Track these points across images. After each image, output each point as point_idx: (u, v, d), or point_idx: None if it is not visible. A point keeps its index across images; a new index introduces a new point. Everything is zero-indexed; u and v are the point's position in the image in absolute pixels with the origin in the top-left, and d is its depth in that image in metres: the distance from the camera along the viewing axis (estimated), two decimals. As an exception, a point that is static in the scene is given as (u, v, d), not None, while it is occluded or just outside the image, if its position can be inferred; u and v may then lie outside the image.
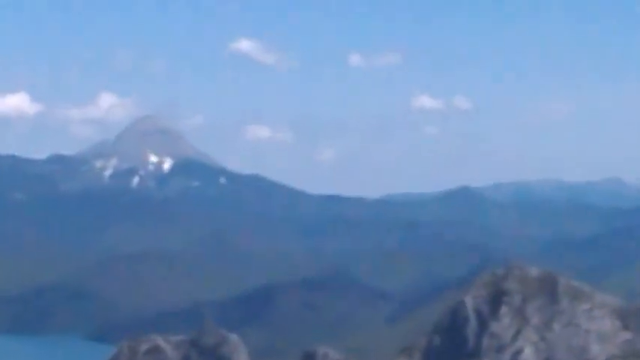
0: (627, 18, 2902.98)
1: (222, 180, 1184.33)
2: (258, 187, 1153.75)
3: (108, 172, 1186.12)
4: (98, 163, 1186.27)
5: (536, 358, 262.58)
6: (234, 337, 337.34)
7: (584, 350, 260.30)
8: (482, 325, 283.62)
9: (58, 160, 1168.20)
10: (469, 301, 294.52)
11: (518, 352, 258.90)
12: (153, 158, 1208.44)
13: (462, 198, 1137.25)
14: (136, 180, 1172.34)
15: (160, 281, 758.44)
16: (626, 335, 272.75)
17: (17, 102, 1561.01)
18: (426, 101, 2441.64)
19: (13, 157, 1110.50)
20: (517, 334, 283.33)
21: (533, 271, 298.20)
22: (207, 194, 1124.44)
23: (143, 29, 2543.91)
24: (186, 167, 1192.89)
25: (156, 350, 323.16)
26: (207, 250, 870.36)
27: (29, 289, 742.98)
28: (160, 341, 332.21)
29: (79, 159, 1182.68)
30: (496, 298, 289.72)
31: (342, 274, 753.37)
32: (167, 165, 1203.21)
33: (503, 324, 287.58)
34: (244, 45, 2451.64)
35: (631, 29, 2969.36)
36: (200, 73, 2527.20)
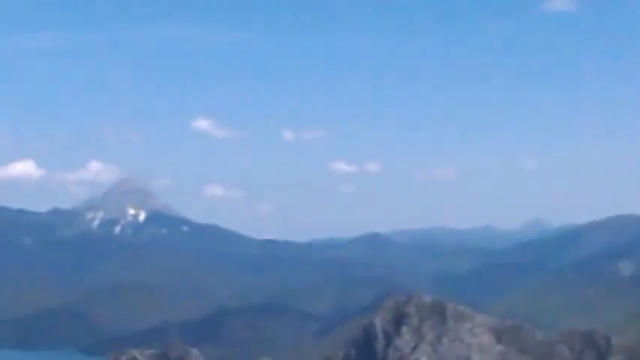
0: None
1: (185, 228, 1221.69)
2: (214, 233, 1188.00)
3: (96, 222, 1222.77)
4: (88, 215, 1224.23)
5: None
6: (194, 351, 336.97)
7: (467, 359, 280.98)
8: (388, 340, 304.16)
9: (56, 212, 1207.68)
10: (378, 322, 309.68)
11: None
12: (131, 211, 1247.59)
13: (372, 241, 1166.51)
14: (117, 228, 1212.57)
15: (137, 306, 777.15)
16: (500, 348, 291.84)
17: (25, 167, 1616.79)
18: (342, 166, 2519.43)
19: (21, 210, 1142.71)
20: (415, 347, 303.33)
21: (427, 299, 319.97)
22: (173, 239, 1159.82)
23: (125, 108, 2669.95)
24: (157, 218, 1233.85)
25: None
26: (174, 283, 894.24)
27: (33, 312, 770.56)
28: (137, 354, 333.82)
29: (74, 212, 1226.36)
30: (399, 319, 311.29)
31: (279, 301, 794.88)
32: (142, 217, 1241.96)
33: (405, 340, 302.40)
34: (202, 123, 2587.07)
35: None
36: (168, 144, 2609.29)
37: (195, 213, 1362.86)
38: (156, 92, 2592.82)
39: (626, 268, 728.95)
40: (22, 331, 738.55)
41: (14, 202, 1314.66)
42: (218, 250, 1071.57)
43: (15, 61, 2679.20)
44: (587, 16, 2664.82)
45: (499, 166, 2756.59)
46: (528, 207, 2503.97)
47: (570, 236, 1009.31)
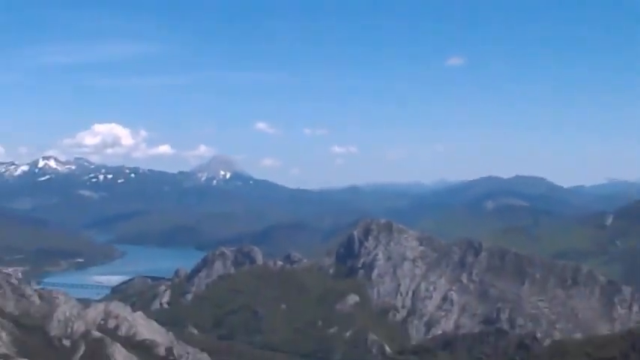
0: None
1: (251, 182, 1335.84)
2: (266, 185, 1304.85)
3: (203, 178, 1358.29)
4: (199, 175, 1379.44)
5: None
6: (256, 249, 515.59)
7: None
8: (360, 243, 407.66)
9: (182, 174, 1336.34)
10: (355, 233, 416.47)
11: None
12: (222, 172, 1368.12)
13: (354, 190, 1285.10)
14: (214, 182, 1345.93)
15: (226, 224, 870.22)
16: (421, 248, 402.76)
17: (164, 150, 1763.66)
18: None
19: (162, 172, 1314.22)
20: (376, 246, 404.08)
21: (382, 221, 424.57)
22: (244, 188, 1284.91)
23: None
24: (235, 176, 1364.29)
25: (222, 254, 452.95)
26: (245, 211, 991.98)
27: (168, 227, 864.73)
28: (226, 250, 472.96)
29: (191, 173, 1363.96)
30: (367, 232, 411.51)
31: (302, 222, 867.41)
32: (228, 175, 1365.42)
33: (370, 242, 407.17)
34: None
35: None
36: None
37: (256, 174, 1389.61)
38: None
39: (490, 205, 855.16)
40: (161, 238, 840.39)
41: (161, 167, 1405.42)
42: (268, 194, 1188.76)
43: None
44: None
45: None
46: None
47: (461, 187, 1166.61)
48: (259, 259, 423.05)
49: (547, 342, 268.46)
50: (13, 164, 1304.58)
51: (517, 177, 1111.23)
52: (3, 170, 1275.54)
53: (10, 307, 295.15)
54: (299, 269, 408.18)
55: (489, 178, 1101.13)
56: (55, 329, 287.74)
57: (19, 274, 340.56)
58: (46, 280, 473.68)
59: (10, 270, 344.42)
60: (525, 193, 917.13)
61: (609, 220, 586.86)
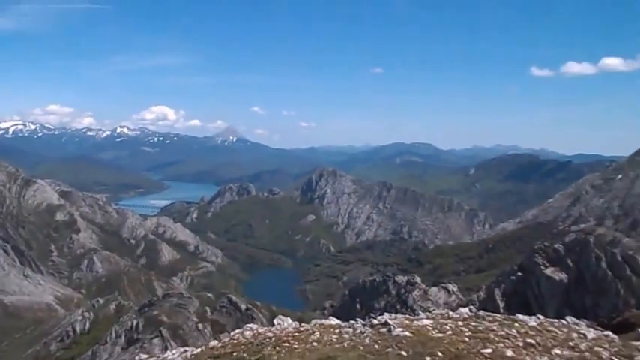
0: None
1: (248, 143, 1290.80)
2: (257, 145, 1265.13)
3: (220, 140, 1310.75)
4: (218, 139, 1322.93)
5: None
6: (251, 186, 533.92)
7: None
8: (317, 184, 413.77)
9: (206, 139, 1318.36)
10: (313, 177, 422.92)
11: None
12: (230, 137, 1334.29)
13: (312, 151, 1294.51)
14: (226, 143, 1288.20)
15: (239, 168, 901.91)
16: (354, 187, 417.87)
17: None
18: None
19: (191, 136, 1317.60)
20: (326, 185, 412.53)
21: (330, 169, 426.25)
22: (242, 146, 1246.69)
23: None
24: (240, 140, 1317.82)
25: (230, 188, 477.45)
26: (248, 160, 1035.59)
27: (195, 169, 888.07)
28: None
29: (210, 139, 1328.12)
30: (320, 176, 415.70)
31: (287, 169, 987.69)
32: (234, 139, 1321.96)
33: (322, 183, 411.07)
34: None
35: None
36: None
37: (252, 139, 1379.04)
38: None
39: (398, 160, 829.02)
40: (192, 177, 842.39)
41: (193, 134, 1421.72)
42: (259, 152, 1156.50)
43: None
44: None
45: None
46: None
47: (379, 149, 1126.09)
48: (253, 192, 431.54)
49: (431, 246, 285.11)
50: (101, 130, 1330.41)
51: (415, 143, 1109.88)
52: (94, 134, 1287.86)
53: (98, 218, 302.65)
54: (278, 198, 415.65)
55: (397, 144, 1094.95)
56: (125, 233, 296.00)
57: (104, 198, 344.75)
58: (120, 202, 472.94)
59: (98, 196, 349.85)
60: (420, 154, 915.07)
61: (472, 171, 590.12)
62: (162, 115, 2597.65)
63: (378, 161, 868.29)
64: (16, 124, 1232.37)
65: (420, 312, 20.13)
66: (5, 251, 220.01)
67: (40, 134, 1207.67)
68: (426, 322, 15.55)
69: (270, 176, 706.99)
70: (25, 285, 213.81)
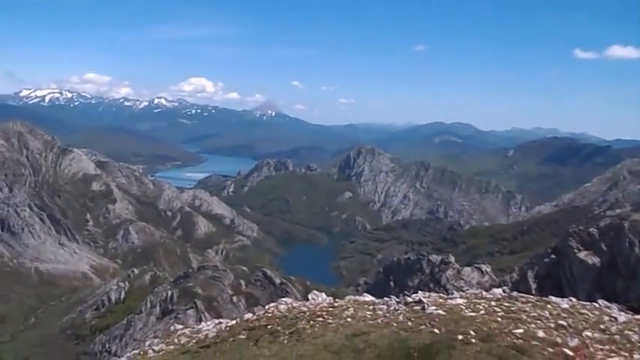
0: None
1: (287, 119, 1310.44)
2: (294, 120, 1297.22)
3: (259, 114, 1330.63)
4: (257, 113, 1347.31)
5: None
6: (289, 162, 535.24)
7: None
8: (355, 160, 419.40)
9: (247, 112, 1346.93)
10: (351, 154, 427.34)
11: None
12: (269, 111, 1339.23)
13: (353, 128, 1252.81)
14: (265, 117, 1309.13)
15: (277, 141, 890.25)
16: (391, 165, 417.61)
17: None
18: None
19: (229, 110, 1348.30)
20: (364, 163, 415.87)
21: (369, 147, 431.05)
22: (281, 120, 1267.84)
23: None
24: (279, 114, 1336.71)
25: (267, 163, 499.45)
26: (285, 134, 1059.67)
27: (229, 144, 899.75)
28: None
29: (252, 113, 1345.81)
30: (359, 153, 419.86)
31: (329, 144, 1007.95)
32: (273, 113, 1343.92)
33: (360, 160, 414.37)
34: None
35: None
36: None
37: (291, 113, 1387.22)
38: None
39: (437, 140, 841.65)
40: (230, 151, 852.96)
41: (231, 107, 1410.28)
42: (298, 127, 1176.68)
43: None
44: None
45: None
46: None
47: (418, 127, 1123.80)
48: (291, 167, 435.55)
49: (467, 227, 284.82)
50: (138, 100, 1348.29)
51: (455, 122, 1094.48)
52: (131, 104, 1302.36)
53: (134, 189, 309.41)
54: (315, 174, 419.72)
55: (437, 123, 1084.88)
56: (162, 205, 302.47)
57: (140, 170, 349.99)
58: (157, 174, 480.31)
59: (134, 167, 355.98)
60: (459, 134, 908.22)
61: (510, 153, 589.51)
62: (201, 87, 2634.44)
63: (417, 140, 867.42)
64: (52, 92, 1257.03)
65: (454, 291, 20.63)
66: (41, 219, 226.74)
67: (76, 103, 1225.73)
68: (460, 301, 15.97)
69: (308, 152, 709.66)
70: (60, 253, 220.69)
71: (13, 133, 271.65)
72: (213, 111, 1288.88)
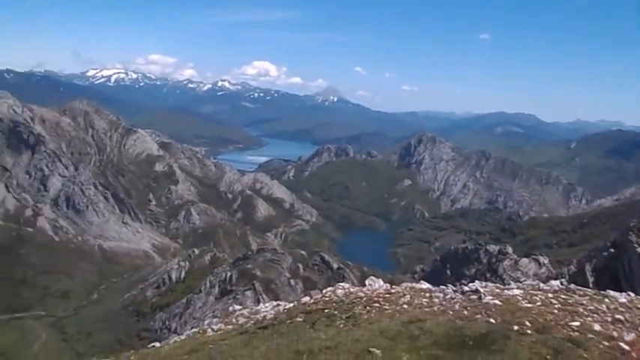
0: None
1: (349, 105, 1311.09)
2: (356, 106, 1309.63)
3: (321, 99, 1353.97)
4: (319, 98, 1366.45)
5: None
6: (350, 147, 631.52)
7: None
8: (415, 147, 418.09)
9: (307, 97, 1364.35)
10: (412, 141, 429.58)
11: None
12: (331, 97, 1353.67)
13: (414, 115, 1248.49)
14: (326, 102, 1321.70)
15: (339, 125, 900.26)
16: (452, 155, 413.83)
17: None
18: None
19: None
20: (424, 151, 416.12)
21: (429, 135, 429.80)
22: (344, 106, 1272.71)
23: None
24: (340, 100, 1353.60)
25: (328, 149, 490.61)
26: (346, 119, 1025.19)
27: (289, 129, 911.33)
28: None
29: (314, 98, 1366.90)
30: (419, 140, 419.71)
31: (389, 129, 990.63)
32: (335, 99, 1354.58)
33: (421, 148, 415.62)
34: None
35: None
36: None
37: (353, 99, 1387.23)
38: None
39: (499, 130, 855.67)
40: (291, 135, 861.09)
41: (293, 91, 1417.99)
42: (359, 113, 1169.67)
43: None
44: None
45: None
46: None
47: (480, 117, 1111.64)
48: (351, 153, 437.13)
49: (526, 218, 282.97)
50: (202, 82, 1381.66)
51: (517, 113, 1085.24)
52: (195, 86, 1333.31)
53: (196, 171, 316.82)
54: (375, 161, 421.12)
55: (499, 113, 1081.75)
56: (223, 187, 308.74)
57: (203, 152, 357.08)
58: (219, 156, 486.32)
59: (197, 149, 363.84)
60: (522, 124, 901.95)
61: (573, 145, 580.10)
62: (264, 71, 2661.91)
63: (478, 129, 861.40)
64: (118, 73, 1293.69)
65: (510, 282, 20.63)
66: (105, 198, 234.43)
67: (141, 84, 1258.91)
68: (516, 292, 16.02)
69: (369, 138, 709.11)
70: (123, 232, 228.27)
71: (79, 113, 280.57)
72: (276, 95, 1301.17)
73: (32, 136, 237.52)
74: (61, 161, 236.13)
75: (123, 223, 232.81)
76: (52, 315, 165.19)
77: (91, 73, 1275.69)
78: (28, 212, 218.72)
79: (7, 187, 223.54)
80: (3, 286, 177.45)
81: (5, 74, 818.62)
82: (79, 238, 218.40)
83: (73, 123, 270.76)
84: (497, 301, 15.05)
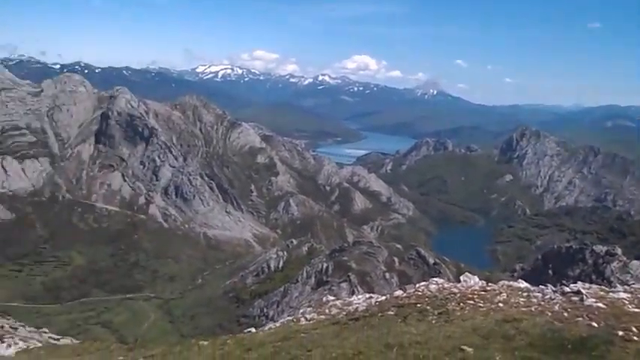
0: None
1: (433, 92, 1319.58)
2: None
3: (421, 93, 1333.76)
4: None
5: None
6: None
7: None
8: (517, 141, 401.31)
9: (400, 91, 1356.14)
10: (515, 136, 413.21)
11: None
12: (431, 90, 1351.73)
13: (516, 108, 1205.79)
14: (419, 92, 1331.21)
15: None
16: (557, 149, 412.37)
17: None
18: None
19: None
20: (527, 145, 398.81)
21: (533, 129, 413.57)
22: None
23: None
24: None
25: (426, 142, 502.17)
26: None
27: (382, 123, 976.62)
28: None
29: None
30: (522, 134, 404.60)
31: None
32: (435, 92, 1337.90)
33: (523, 142, 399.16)
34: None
35: None
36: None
37: (453, 93, 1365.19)
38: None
39: (609, 123, 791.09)
40: (389, 129, 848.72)
41: (393, 85, 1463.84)
42: (459, 107, 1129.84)
43: None
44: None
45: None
46: None
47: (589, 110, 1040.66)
48: (450, 147, 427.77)
49: (637, 217, 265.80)
50: (303, 77, 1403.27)
51: (630, 105, 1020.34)
52: (296, 81, 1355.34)
53: (296, 163, 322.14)
54: (475, 155, 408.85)
55: (610, 106, 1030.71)
56: (321, 179, 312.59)
57: (303, 144, 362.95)
58: (318, 149, 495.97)
59: (297, 141, 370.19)
60: (634, 117, 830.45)
61: None
62: (364, 65, 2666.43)
63: (587, 123, 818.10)
64: (225, 68, 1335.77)
65: (617, 285, 19.39)
66: (210, 188, 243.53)
67: (246, 79, 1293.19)
68: (623, 295, 15.02)
69: (468, 132, 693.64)
70: (226, 221, 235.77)
71: (189, 107, 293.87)
72: (375, 89, 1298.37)
73: (146, 129, 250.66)
74: (171, 152, 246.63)
75: (226, 212, 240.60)
76: (160, 297, 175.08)
77: (200, 69, 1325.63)
78: (141, 200, 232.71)
79: (123, 176, 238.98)
80: (118, 268, 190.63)
81: (124, 71, 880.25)
82: (186, 226, 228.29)
83: (182, 116, 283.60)
84: (600, 304, 14.12)
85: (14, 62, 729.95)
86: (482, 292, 17.87)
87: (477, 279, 20.47)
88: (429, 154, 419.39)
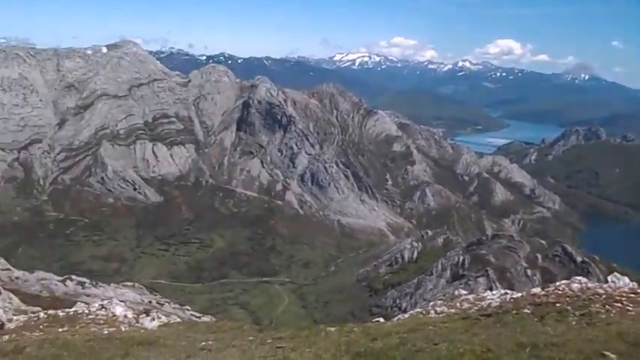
0: None
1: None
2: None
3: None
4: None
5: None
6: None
7: None
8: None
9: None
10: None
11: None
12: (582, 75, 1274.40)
13: None
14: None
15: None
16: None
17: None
18: None
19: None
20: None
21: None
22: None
23: None
24: None
25: (576, 131, 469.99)
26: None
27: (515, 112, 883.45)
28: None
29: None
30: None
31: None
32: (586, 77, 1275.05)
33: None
34: None
35: None
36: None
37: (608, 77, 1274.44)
38: None
39: None
40: (534, 116, 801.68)
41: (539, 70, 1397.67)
42: (616, 93, 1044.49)
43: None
44: None
45: None
46: None
47: None
48: (603, 136, 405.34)
49: None
50: (442, 63, 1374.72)
51: None
52: (435, 67, 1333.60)
53: (433, 152, 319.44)
54: (632, 146, 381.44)
55: None
56: (459, 169, 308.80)
57: (440, 133, 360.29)
58: (456, 138, 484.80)
59: (434, 130, 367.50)
60: None
61: None
62: (508, 49, 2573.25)
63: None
64: (362, 56, 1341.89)
65: None
66: (345, 176, 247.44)
67: (383, 66, 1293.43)
68: None
69: (624, 120, 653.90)
70: (360, 209, 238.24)
71: (325, 95, 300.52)
72: (520, 74, 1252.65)
73: (285, 117, 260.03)
74: (308, 140, 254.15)
75: (361, 200, 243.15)
76: (295, 282, 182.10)
77: (337, 57, 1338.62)
78: (279, 187, 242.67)
79: (262, 162, 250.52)
80: (256, 252, 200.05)
81: (264, 61, 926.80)
82: (321, 213, 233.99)
83: (320, 105, 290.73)
84: None
85: (165, 55, 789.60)
86: (632, 295, 16.55)
87: (627, 280, 19.02)
88: (578, 143, 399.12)
